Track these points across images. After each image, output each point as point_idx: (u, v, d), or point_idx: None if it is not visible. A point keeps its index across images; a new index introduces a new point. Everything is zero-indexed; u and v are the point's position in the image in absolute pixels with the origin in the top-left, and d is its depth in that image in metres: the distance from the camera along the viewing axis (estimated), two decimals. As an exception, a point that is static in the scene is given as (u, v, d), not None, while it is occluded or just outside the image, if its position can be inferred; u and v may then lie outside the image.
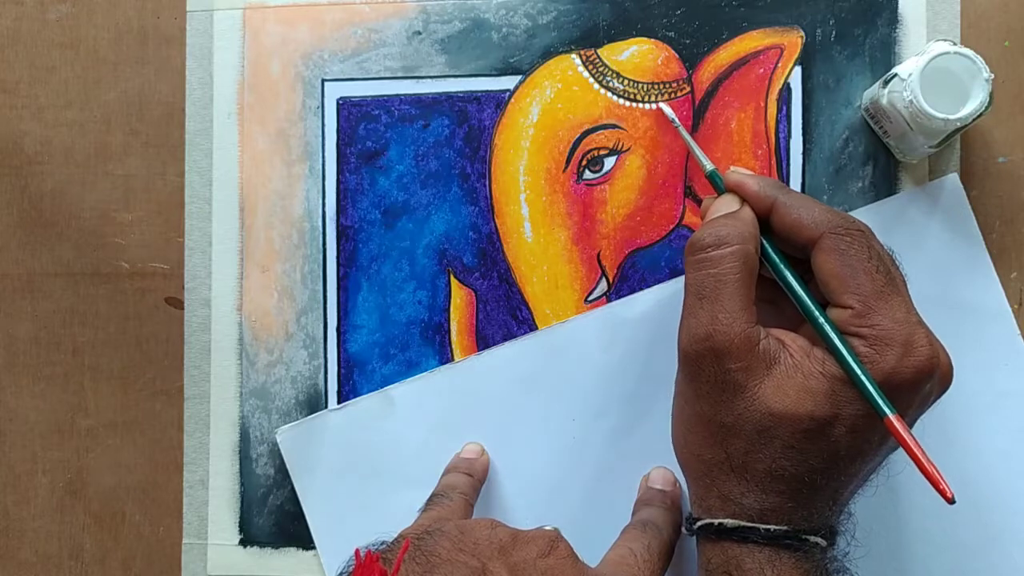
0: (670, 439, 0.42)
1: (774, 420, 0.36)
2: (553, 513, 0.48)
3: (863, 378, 0.36)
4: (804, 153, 0.48)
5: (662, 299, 0.48)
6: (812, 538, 0.37)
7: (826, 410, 0.36)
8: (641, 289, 0.48)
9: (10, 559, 0.52)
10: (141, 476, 0.51)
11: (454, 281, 0.49)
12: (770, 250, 0.40)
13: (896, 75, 0.43)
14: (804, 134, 0.48)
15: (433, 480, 0.46)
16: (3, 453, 0.52)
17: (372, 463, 0.49)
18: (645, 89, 0.48)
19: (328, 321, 0.50)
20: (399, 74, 0.50)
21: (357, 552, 0.38)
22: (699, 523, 0.39)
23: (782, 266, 0.40)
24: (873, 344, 0.36)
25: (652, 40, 0.48)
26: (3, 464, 0.52)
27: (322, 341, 0.50)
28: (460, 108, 0.49)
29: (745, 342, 0.37)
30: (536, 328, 0.49)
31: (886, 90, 0.44)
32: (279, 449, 0.50)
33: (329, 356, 0.50)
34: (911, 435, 0.35)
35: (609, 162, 0.48)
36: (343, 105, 0.50)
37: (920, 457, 0.35)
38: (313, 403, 0.50)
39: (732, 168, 0.42)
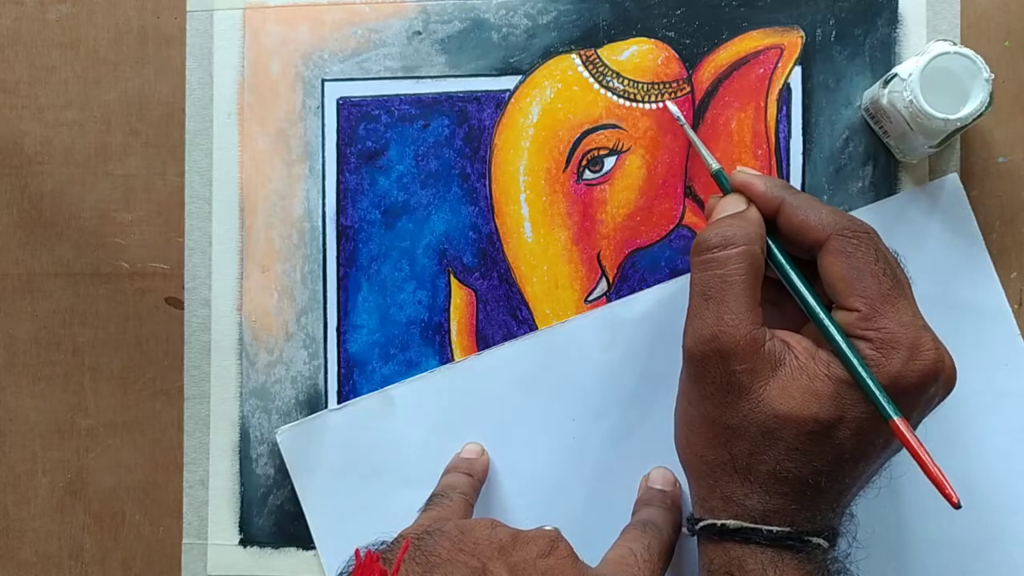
0: (670, 439, 0.42)
1: (778, 422, 0.36)
2: (553, 513, 0.48)
3: (869, 381, 0.36)
4: (804, 153, 0.48)
5: (662, 299, 0.48)
6: (815, 539, 0.37)
7: (831, 412, 0.36)
8: (641, 289, 0.48)
9: (10, 559, 0.52)
10: (141, 476, 0.51)
11: (454, 281, 0.49)
12: (776, 251, 0.40)
13: (896, 75, 0.43)
14: (804, 134, 0.48)
15: (433, 480, 0.46)
16: (3, 453, 0.52)
17: (372, 463, 0.49)
18: (645, 89, 0.48)
19: (328, 321, 0.50)
20: (399, 74, 0.50)
21: (357, 552, 0.38)
22: (701, 524, 0.39)
23: (788, 267, 0.40)
24: (879, 347, 0.36)
25: (652, 40, 0.48)
26: (3, 464, 0.52)
27: (322, 341, 0.50)
28: (460, 108, 0.49)
29: (751, 343, 0.37)
30: (536, 328, 0.49)
31: (886, 90, 0.44)
32: (279, 449, 0.50)
33: (329, 356, 0.50)
34: (917, 439, 0.35)
35: (609, 162, 0.48)
36: (343, 105, 0.50)
37: (926, 461, 0.35)
38: (313, 403, 0.50)
39: (739, 168, 0.42)
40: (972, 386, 0.45)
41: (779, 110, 0.48)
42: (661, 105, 0.48)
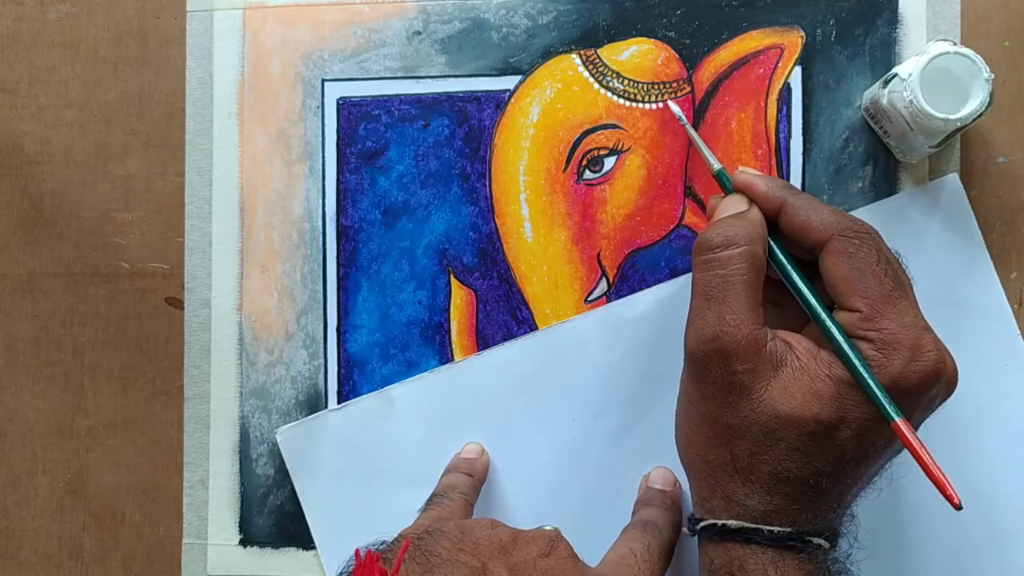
0: (670, 439, 0.42)
1: (780, 422, 0.36)
2: (553, 513, 0.48)
3: (870, 382, 0.36)
4: (804, 153, 0.48)
5: (662, 299, 0.48)
6: (816, 540, 0.37)
7: (832, 413, 0.36)
8: (641, 289, 0.48)
9: (10, 559, 0.52)
10: (141, 476, 0.51)
11: (454, 281, 0.49)
12: (778, 251, 0.40)
13: (896, 75, 0.43)
14: (804, 134, 0.48)
15: (433, 480, 0.46)
16: (3, 453, 0.52)
17: (372, 463, 0.49)
18: (645, 89, 0.48)
19: (328, 321, 0.50)
20: (399, 74, 0.50)
21: (357, 552, 0.38)
22: (702, 524, 0.39)
23: (790, 268, 0.40)
24: (881, 348, 0.36)
25: (652, 40, 0.48)
26: (3, 464, 0.52)
27: (322, 341, 0.50)
28: (460, 108, 0.49)
29: (752, 344, 0.37)
30: (536, 328, 0.49)
31: (886, 90, 0.44)
32: (279, 449, 0.50)
33: (329, 356, 0.50)
34: (918, 440, 0.35)
35: (609, 162, 0.48)
36: (343, 105, 0.50)
37: (927, 462, 0.35)
38: (313, 403, 0.50)
39: (740, 168, 0.42)
40: (972, 386, 0.45)
41: (779, 110, 0.48)
42: (661, 105, 0.48)
